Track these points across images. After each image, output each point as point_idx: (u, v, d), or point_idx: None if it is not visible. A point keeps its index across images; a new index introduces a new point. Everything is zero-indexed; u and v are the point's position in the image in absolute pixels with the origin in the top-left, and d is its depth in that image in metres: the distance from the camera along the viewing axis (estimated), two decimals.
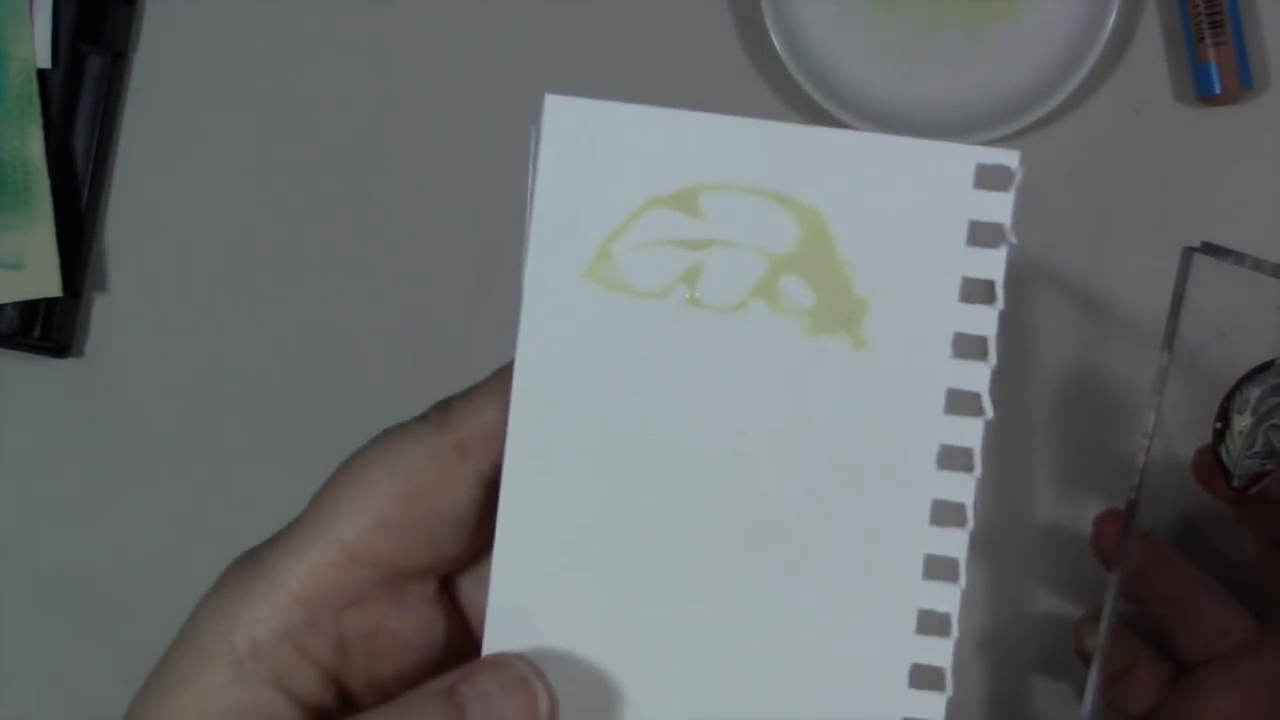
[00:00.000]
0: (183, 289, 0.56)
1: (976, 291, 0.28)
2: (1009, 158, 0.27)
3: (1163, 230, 0.53)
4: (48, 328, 0.55)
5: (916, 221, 0.28)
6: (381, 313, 0.55)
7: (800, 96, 0.53)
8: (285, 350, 0.56)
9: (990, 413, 0.29)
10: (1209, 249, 0.43)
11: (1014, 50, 0.53)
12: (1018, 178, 0.27)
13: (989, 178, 0.28)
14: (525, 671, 0.27)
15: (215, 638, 0.28)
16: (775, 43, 0.52)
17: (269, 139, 0.56)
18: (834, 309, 0.28)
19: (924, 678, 0.28)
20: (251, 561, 0.29)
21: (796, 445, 0.28)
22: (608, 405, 0.28)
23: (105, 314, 0.56)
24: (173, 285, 0.56)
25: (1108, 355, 0.53)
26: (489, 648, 0.28)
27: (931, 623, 0.28)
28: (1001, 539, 0.53)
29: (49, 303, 0.54)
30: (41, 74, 0.55)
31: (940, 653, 0.28)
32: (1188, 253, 0.44)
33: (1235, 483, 0.40)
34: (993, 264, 0.28)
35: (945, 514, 0.28)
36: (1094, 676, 0.44)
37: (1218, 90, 0.52)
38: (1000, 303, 0.28)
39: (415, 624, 0.29)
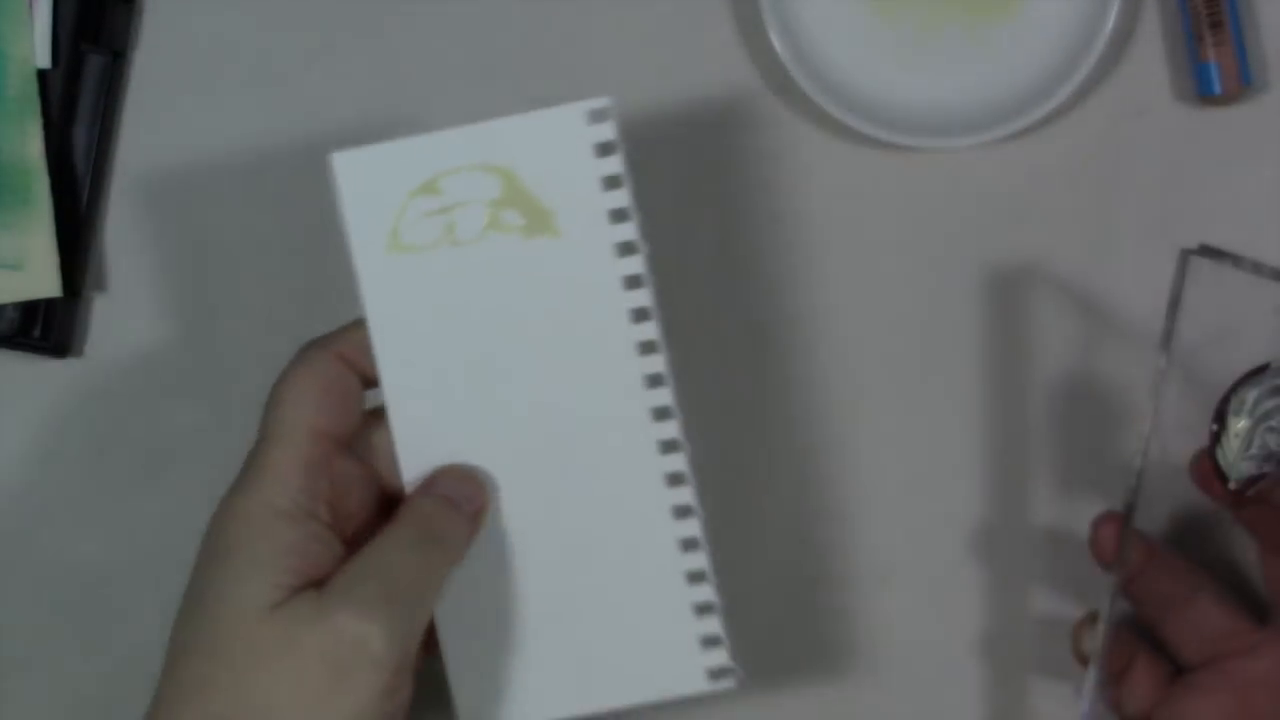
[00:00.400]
0: (183, 289, 0.56)
1: (612, 182, 0.46)
2: (603, 102, 0.46)
3: (1162, 230, 0.53)
4: (48, 328, 0.55)
5: (559, 151, 0.46)
6: None
7: (800, 96, 0.53)
8: (285, 350, 0.56)
9: (646, 248, 0.46)
10: (1206, 251, 0.43)
11: (1014, 50, 0.53)
12: (612, 110, 0.46)
13: (597, 116, 0.46)
14: (463, 468, 0.45)
15: (258, 491, 0.43)
16: (775, 43, 0.53)
17: (269, 139, 0.56)
18: (536, 221, 0.47)
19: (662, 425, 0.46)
20: (256, 455, 0.44)
21: (535, 298, 0.47)
22: (425, 313, 0.46)
23: (105, 314, 0.56)
24: (173, 285, 0.56)
25: (1106, 356, 0.53)
26: (405, 470, 0.45)
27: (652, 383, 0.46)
28: (1000, 540, 0.53)
29: (49, 303, 0.54)
30: (41, 74, 0.55)
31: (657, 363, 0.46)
32: (1185, 255, 0.43)
33: (1232, 485, 0.40)
34: (611, 164, 0.46)
35: (645, 342, 0.46)
36: (1092, 677, 0.44)
37: (1218, 90, 0.52)
38: (626, 183, 0.46)
39: (355, 469, 0.45)
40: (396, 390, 0.46)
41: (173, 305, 0.56)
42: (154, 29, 0.56)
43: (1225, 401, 0.42)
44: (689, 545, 0.46)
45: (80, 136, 0.55)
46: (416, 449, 0.46)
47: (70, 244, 0.54)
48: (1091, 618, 0.45)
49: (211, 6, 0.56)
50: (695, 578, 0.46)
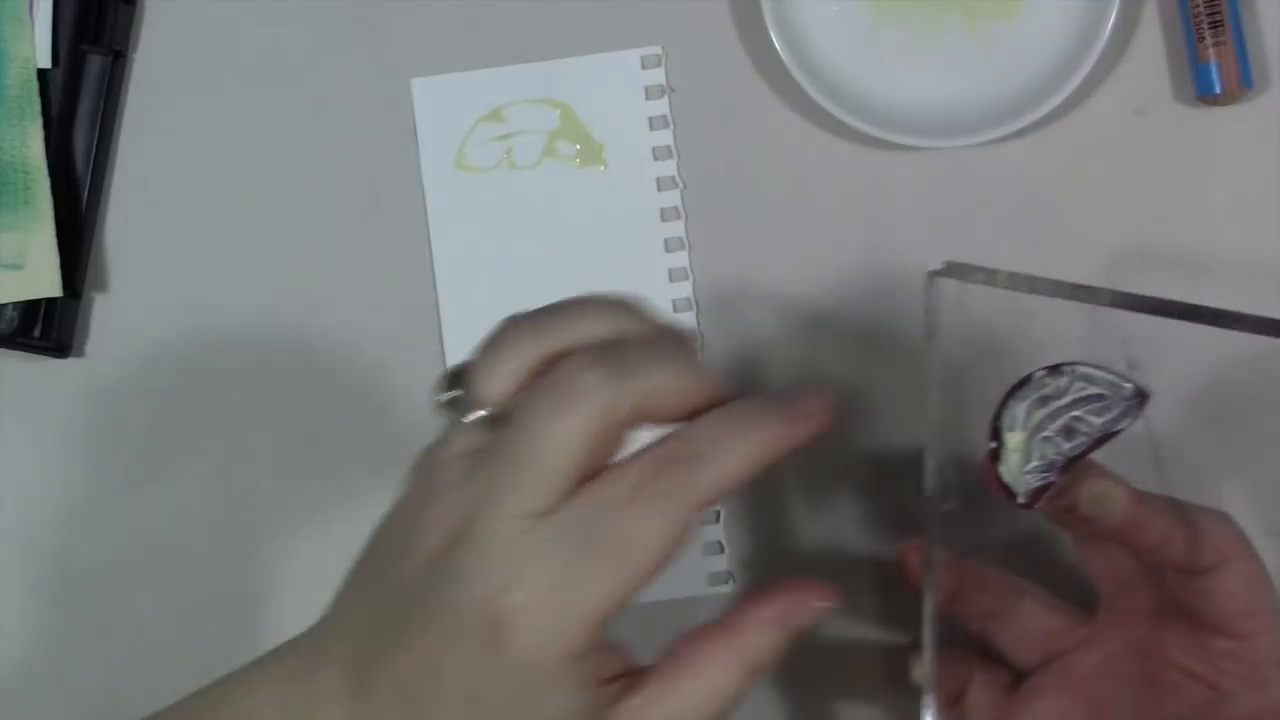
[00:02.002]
0: (183, 289, 0.56)
1: (658, 122, 0.54)
2: (656, 50, 0.54)
3: (1162, 230, 0.53)
4: (48, 328, 0.55)
5: (613, 90, 0.54)
6: (382, 312, 0.55)
7: (800, 96, 0.53)
8: (285, 350, 0.56)
9: (682, 185, 0.53)
10: (951, 269, 0.43)
11: (1014, 50, 0.53)
12: (664, 56, 0.54)
13: (649, 62, 0.54)
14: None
15: None
16: (775, 43, 0.53)
17: (269, 139, 0.56)
18: (588, 152, 0.54)
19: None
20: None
21: (581, 221, 0.53)
22: (480, 225, 0.54)
23: (105, 314, 0.56)
24: (173, 285, 0.56)
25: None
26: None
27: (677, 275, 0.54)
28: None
29: (49, 303, 0.54)
30: (41, 74, 0.55)
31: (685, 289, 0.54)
32: (931, 276, 0.43)
33: (1020, 500, 0.40)
34: (659, 106, 0.54)
35: (672, 244, 0.54)
36: (929, 705, 0.44)
37: (1218, 90, 0.52)
38: (670, 124, 0.54)
39: None
40: (449, 290, 0.54)
41: (173, 305, 0.56)
42: (154, 29, 0.57)
43: (997, 419, 0.42)
44: None
45: (80, 136, 0.55)
46: (461, 346, 0.50)
47: (70, 244, 0.54)
48: (916, 646, 0.45)
49: (211, 6, 0.56)
50: None
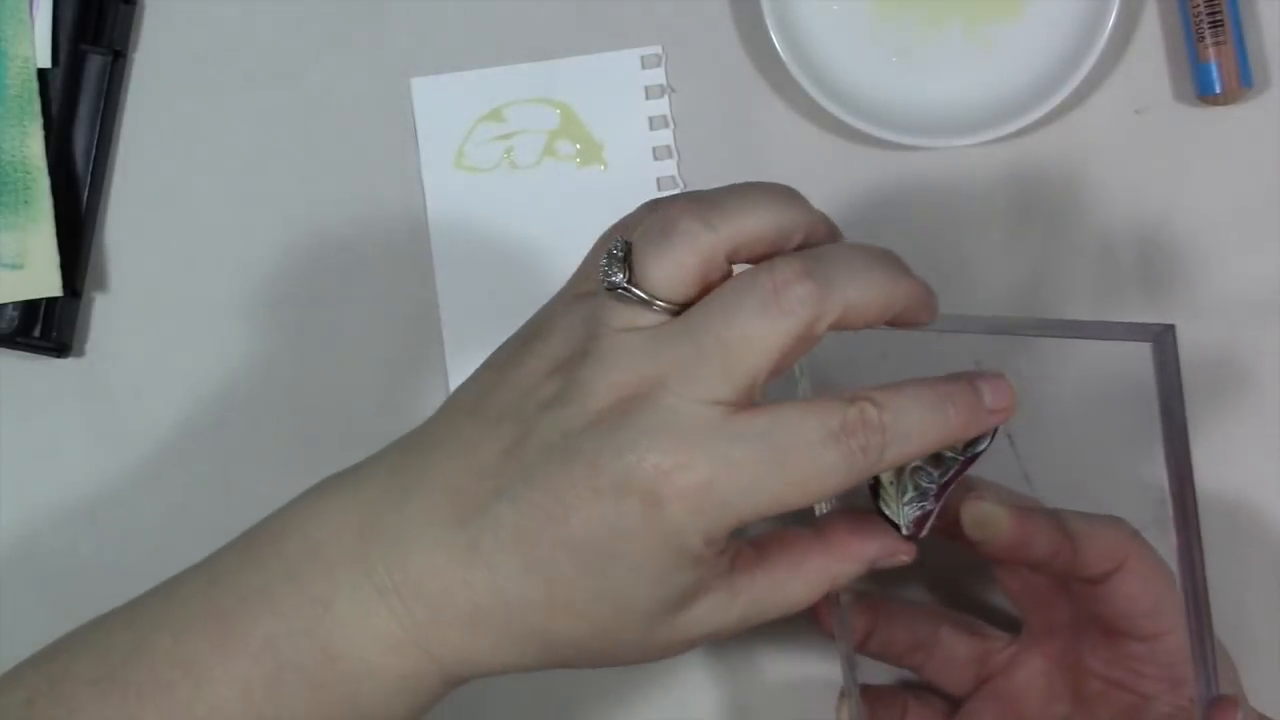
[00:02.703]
0: (183, 289, 0.56)
1: (658, 122, 0.54)
2: (655, 49, 0.54)
3: (1162, 230, 0.53)
4: (48, 328, 0.55)
5: (613, 90, 0.53)
6: (382, 311, 0.55)
7: (800, 96, 0.53)
8: (285, 350, 0.56)
9: (682, 184, 0.52)
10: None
11: (1014, 50, 0.53)
12: (664, 56, 0.54)
13: (649, 62, 0.54)
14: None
15: None
16: (775, 43, 0.52)
17: (269, 139, 0.56)
18: (588, 152, 0.54)
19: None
20: None
21: (580, 222, 0.46)
22: (480, 226, 0.53)
23: (105, 314, 0.56)
24: (173, 285, 0.56)
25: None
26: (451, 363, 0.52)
27: None
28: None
29: (49, 303, 0.54)
30: (41, 74, 0.55)
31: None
32: None
33: (906, 532, 0.40)
34: (659, 106, 0.53)
35: None
36: None
37: (1218, 90, 0.52)
38: (670, 124, 0.53)
39: None
40: (449, 291, 0.53)
41: (173, 305, 0.56)
42: (154, 29, 0.56)
43: None
44: None
45: (80, 136, 0.55)
46: (461, 346, 0.53)
47: (70, 244, 0.54)
48: (842, 693, 0.45)
49: (211, 6, 0.56)
50: None
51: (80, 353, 0.56)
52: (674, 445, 0.33)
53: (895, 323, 0.37)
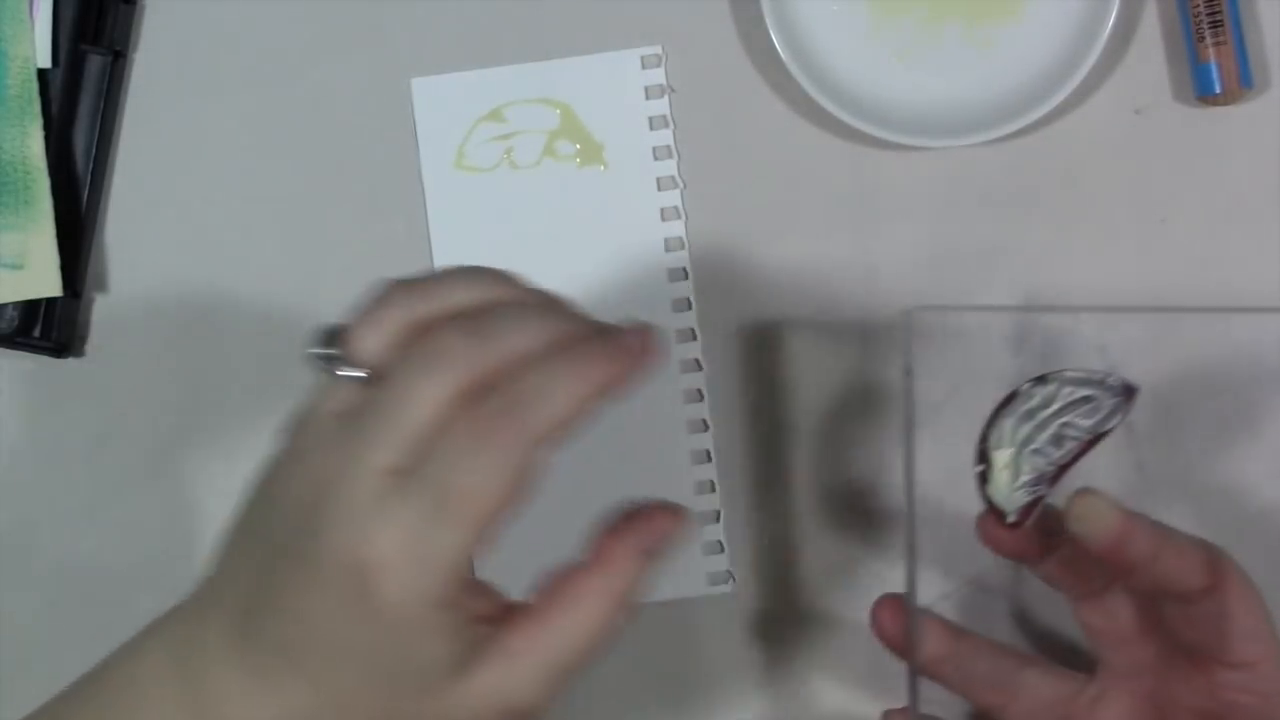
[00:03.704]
0: (183, 289, 0.56)
1: (658, 122, 0.54)
2: (655, 50, 0.54)
3: (1162, 231, 0.53)
4: (48, 328, 0.55)
5: (613, 90, 0.54)
6: None
7: (800, 96, 0.53)
8: (285, 350, 0.55)
9: (682, 184, 0.53)
10: (927, 306, 0.43)
11: (1014, 50, 0.53)
12: (664, 56, 0.54)
13: (649, 62, 0.54)
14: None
15: None
16: (775, 43, 0.53)
17: (269, 139, 0.56)
18: (588, 152, 0.54)
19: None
20: None
21: (581, 221, 0.53)
22: (480, 227, 0.54)
23: (105, 314, 0.56)
24: (173, 285, 0.56)
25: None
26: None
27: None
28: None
29: (49, 303, 0.54)
30: (41, 74, 0.55)
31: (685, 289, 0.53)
32: (907, 314, 0.43)
33: (1011, 519, 0.40)
34: (659, 106, 0.54)
35: (672, 244, 0.54)
36: None
37: (1218, 90, 0.52)
38: (670, 124, 0.54)
39: None
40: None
41: (173, 305, 0.56)
42: (154, 29, 0.56)
43: (984, 439, 0.42)
44: (699, 458, 0.52)
45: (80, 136, 0.55)
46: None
47: (70, 244, 0.54)
48: (901, 713, 0.44)
49: (211, 6, 0.56)
50: (703, 488, 0.52)
51: (80, 353, 0.56)
52: (358, 524, 0.33)
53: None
